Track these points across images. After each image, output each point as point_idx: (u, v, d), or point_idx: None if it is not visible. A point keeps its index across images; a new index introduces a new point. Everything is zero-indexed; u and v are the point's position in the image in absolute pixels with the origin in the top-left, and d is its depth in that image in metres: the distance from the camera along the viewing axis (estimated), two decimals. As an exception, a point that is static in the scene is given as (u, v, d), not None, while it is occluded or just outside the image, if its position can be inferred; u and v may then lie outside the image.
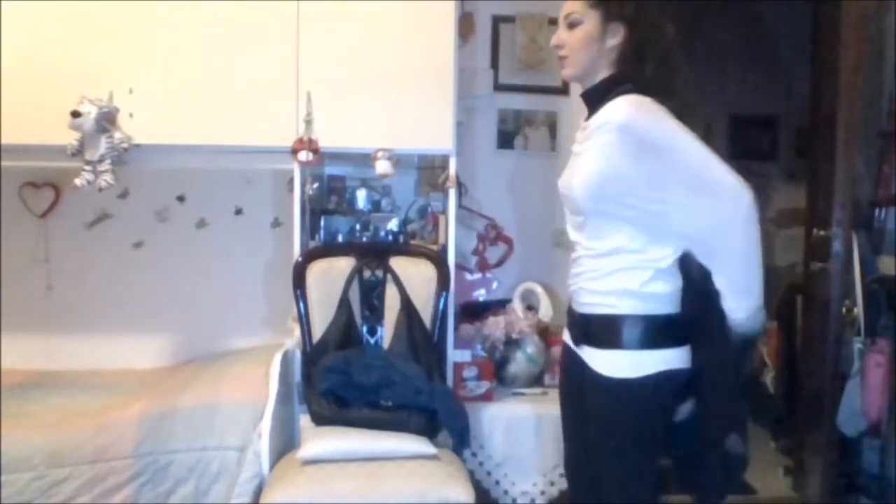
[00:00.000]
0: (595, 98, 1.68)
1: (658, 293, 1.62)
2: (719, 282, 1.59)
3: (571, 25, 1.68)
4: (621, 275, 1.62)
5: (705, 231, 1.56)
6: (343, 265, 2.55)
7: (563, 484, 2.61)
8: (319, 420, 2.28)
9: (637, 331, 1.61)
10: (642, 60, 1.65)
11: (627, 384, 1.61)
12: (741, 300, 1.60)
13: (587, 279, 1.69)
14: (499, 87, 3.28)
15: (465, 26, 3.13)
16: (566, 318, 1.83)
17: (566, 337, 1.82)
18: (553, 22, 3.15)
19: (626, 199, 1.57)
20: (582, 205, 1.64)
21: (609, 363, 1.64)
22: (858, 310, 2.68)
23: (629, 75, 1.65)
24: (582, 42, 1.67)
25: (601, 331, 1.66)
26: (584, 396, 1.71)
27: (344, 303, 2.49)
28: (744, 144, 5.02)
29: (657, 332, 1.62)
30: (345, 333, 2.46)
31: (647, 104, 1.58)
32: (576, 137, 1.76)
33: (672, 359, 1.63)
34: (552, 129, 3.28)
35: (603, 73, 1.68)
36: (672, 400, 1.66)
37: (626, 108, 1.57)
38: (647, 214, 1.57)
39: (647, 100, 1.59)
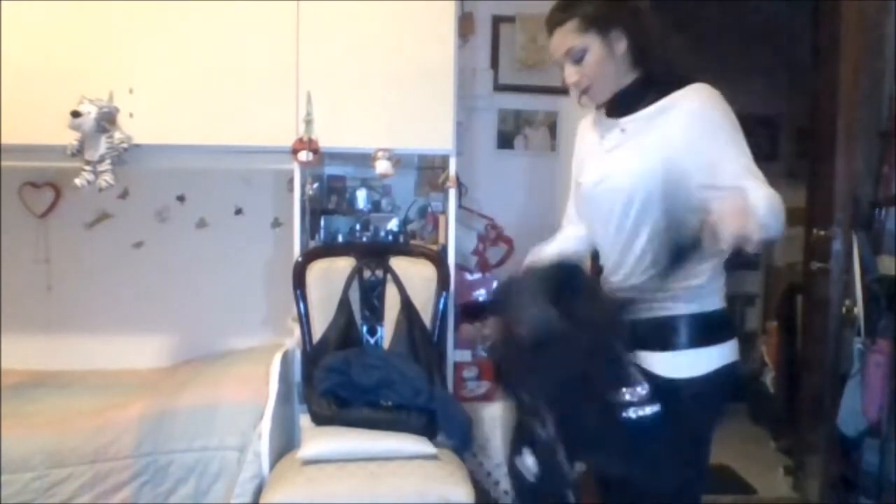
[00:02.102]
0: (632, 99, 1.65)
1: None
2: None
3: (577, 60, 1.64)
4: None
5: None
6: (343, 265, 2.55)
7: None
8: (319, 420, 2.28)
9: (695, 328, 1.60)
10: (651, 53, 1.65)
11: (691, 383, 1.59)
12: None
13: (641, 273, 1.61)
14: (499, 87, 3.28)
15: (465, 26, 3.13)
16: None
17: None
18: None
19: (687, 178, 1.53)
20: (645, 186, 1.57)
21: (669, 364, 1.59)
22: (858, 310, 2.67)
23: (660, 69, 1.64)
24: (598, 69, 1.63)
25: (661, 332, 1.61)
26: None
27: (344, 303, 2.49)
28: (744, 144, 5.03)
29: (713, 328, 1.62)
30: (345, 333, 2.46)
31: (716, 91, 1.59)
32: (593, 133, 1.73)
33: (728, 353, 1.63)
34: (552, 129, 3.28)
35: (628, 78, 1.65)
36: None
37: (701, 96, 1.58)
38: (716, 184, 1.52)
39: (713, 89, 1.60)
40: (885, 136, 2.80)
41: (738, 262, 4.92)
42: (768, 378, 3.74)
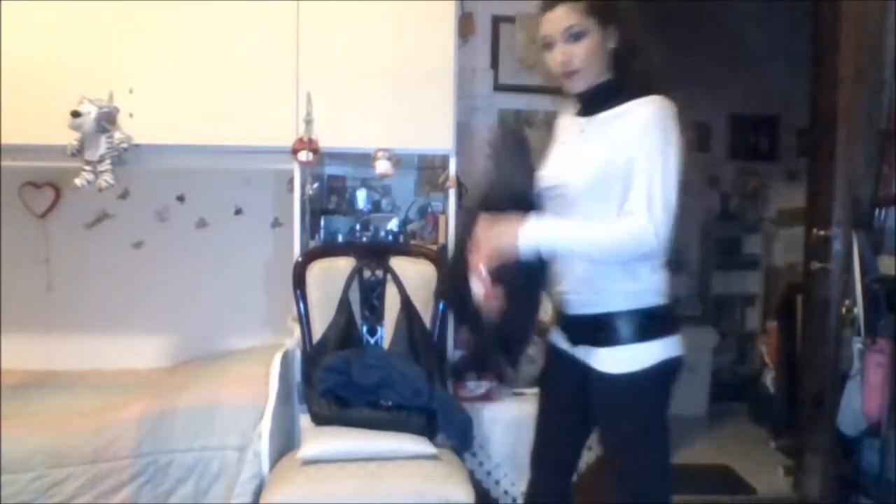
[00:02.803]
0: (598, 99, 1.69)
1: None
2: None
3: (576, 37, 1.65)
4: (625, 273, 1.65)
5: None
6: (343, 265, 2.55)
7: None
8: (319, 420, 2.28)
9: (636, 324, 1.66)
10: (633, 60, 1.69)
11: (640, 375, 1.65)
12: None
13: (585, 280, 1.68)
14: (499, 87, 3.28)
15: (465, 26, 3.13)
16: (557, 320, 1.83)
17: (555, 335, 1.83)
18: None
19: (626, 182, 1.59)
20: (589, 188, 1.64)
21: (613, 360, 1.67)
22: (858, 310, 2.67)
23: (631, 77, 1.68)
24: (591, 53, 1.66)
25: (602, 329, 1.68)
26: (587, 396, 1.73)
27: (344, 303, 2.49)
28: (744, 144, 5.03)
29: (653, 324, 1.67)
30: (345, 333, 2.46)
31: (670, 106, 1.63)
32: (563, 130, 1.80)
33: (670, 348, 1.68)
34: (552, 128, 3.28)
35: (602, 77, 1.69)
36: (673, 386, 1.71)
37: (655, 108, 1.61)
38: (626, 192, 1.59)
39: (669, 102, 1.64)
40: (885, 136, 2.80)
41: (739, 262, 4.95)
42: (768, 378, 3.73)
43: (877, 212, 2.80)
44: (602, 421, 1.74)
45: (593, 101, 1.70)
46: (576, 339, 1.75)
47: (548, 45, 1.69)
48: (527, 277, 1.69)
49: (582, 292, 1.70)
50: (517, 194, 1.73)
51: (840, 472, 2.80)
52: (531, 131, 3.29)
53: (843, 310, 2.71)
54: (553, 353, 1.86)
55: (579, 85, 1.70)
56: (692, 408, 4.56)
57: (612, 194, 1.61)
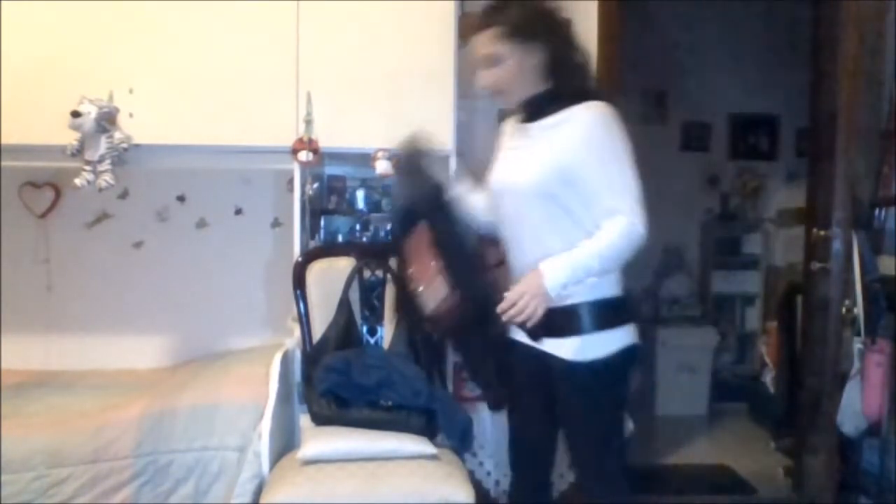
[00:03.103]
0: (539, 107, 1.80)
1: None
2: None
3: (494, 63, 1.78)
4: None
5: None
6: (343, 265, 2.55)
7: (562, 484, 2.62)
8: (319, 420, 2.28)
9: (597, 314, 1.77)
10: (566, 70, 1.80)
11: (605, 362, 1.78)
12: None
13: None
14: (499, 87, 3.27)
15: (465, 26, 3.12)
16: None
17: (516, 334, 1.89)
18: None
19: (577, 186, 1.72)
20: (539, 190, 1.74)
21: (583, 348, 1.78)
22: (858, 310, 2.68)
23: (567, 85, 1.79)
24: (511, 75, 1.78)
25: (565, 320, 1.78)
26: (553, 385, 1.84)
27: (344, 303, 2.48)
28: (744, 144, 5.03)
29: (611, 313, 1.79)
30: (345, 333, 2.46)
31: (610, 110, 1.75)
32: (508, 136, 1.90)
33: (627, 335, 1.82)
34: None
35: (539, 87, 1.80)
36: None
37: (594, 112, 1.73)
38: (589, 203, 1.73)
39: (609, 107, 1.76)
40: (885, 136, 2.80)
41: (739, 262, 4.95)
42: (768, 378, 3.73)
43: (877, 212, 2.80)
44: (566, 407, 1.85)
45: (534, 109, 1.82)
46: (538, 334, 1.82)
47: (478, 64, 1.83)
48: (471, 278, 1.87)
49: None
50: (432, 202, 1.93)
51: (840, 472, 2.80)
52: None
53: (843, 310, 2.71)
54: (516, 352, 1.93)
55: (509, 101, 1.85)
56: (692, 408, 4.57)
57: (560, 194, 1.73)
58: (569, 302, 1.76)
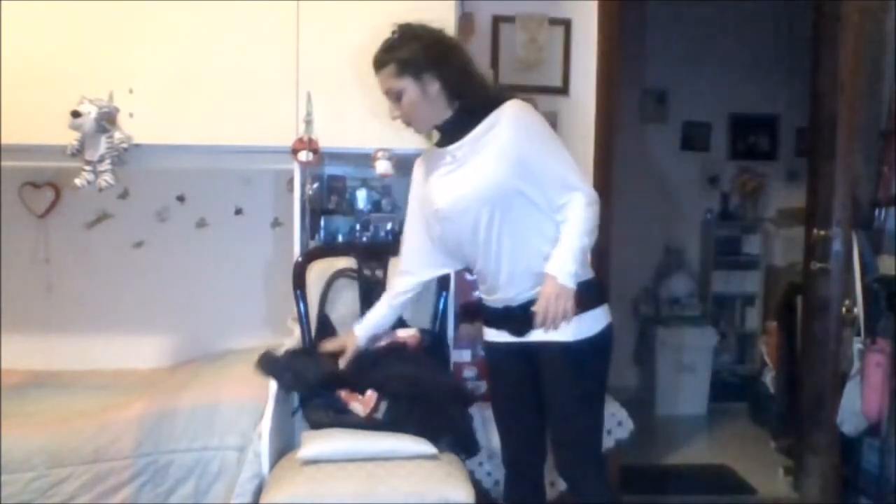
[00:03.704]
0: (454, 128, 1.90)
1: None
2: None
3: (396, 97, 1.91)
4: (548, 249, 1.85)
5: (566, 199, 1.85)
6: (343, 265, 2.55)
7: (563, 484, 2.61)
8: (316, 427, 2.28)
9: (580, 296, 1.84)
10: (468, 87, 1.90)
11: (594, 339, 1.90)
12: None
13: (517, 266, 1.87)
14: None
15: (465, 26, 3.13)
16: (491, 320, 2.03)
17: (497, 336, 2.00)
18: (553, 22, 3.16)
19: (531, 176, 1.82)
20: (502, 190, 1.81)
21: (573, 328, 1.86)
22: (858, 310, 2.68)
23: (474, 100, 1.88)
24: (414, 106, 1.90)
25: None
26: (542, 373, 1.92)
27: (325, 323, 2.47)
28: (744, 144, 5.03)
29: (592, 293, 1.90)
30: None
31: (529, 106, 1.91)
32: (432, 165, 1.98)
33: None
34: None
35: (448, 111, 1.91)
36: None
37: (516, 107, 1.86)
38: (545, 187, 1.84)
39: (526, 103, 1.90)
40: (885, 136, 2.81)
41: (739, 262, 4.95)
42: (768, 378, 3.74)
43: (877, 212, 2.80)
44: (558, 388, 1.92)
45: (452, 131, 1.91)
46: (523, 328, 1.90)
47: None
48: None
49: (523, 283, 1.88)
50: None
51: (840, 472, 2.80)
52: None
53: (843, 310, 2.71)
54: (497, 353, 2.02)
55: (421, 129, 1.98)
56: (692, 408, 4.58)
57: (521, 187, 1.82)
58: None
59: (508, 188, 1.82)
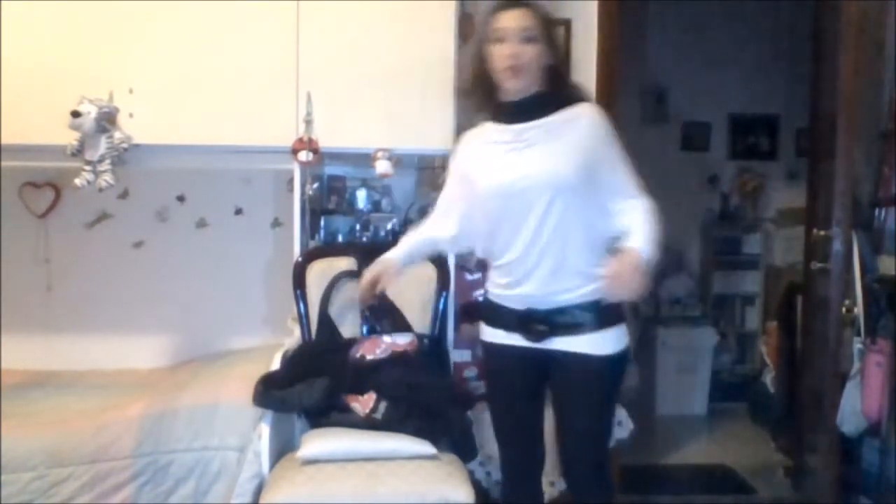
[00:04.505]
0: (531, 107, 1.86)
1: None
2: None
3: (528, 40, 1.82)
4: (594, 257, 1.82)
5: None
6: (343, 265, 2.55)
7: (562, 484, 2.61)
8: (318, 426, 2.28)
9: (606, 312, 1.85)
10: (563, 77, 1.93)
11: (617, 357, 1.87)
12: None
13: (561, 265, 1.82)
14: (499, 87, 3.27)
15: (465, 26, 3.12)
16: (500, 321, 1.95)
17: (506, 339, 1.92)
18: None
19: (596, 178, 1.82)
20: (567, 182, 1.79)
21: (600, 343, 1.84)
22: (858, 310, 2.67)
23: (560, 91, 1.89)
24: (535, 58, 1.83)
25: (591, 315, 1.85)
26: (557, 381, 1.90)
27: (325, 322, 2.47)
28: (744, 144, 5.03)
29: (618, 310, 1.88)
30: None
31: (604, 112, 1.91)
32: (493, 138, 1.90)
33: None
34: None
35: (535, 88, 1.87)
36: None
37: (597, 110, 1.89)
38: (604, 192, 1.84)
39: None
40: (885, 136, 2.81)
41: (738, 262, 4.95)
42: (768, 378, 3.73)
43: (877, 212, 2.80)
44: (572, 400, 1.90)
45: (528, 109, 1.86)
46: (542, 334, 1.85)
47: (499, 40, 1.84)
48: None
49: (563, 283, 1.83)
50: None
51: (840, 472, 2.80)
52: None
53: (843, 310, 2.71)
54: (502, 358, 1.96)
55: (520, 84, 1.85)
56: (692, 408, 4.57)
57: (582, 186, 1.80)
58: (586, 299, 1.83)
59: (573, 182, 1.79)
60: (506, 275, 1.89)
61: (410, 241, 2.09)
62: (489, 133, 1.93)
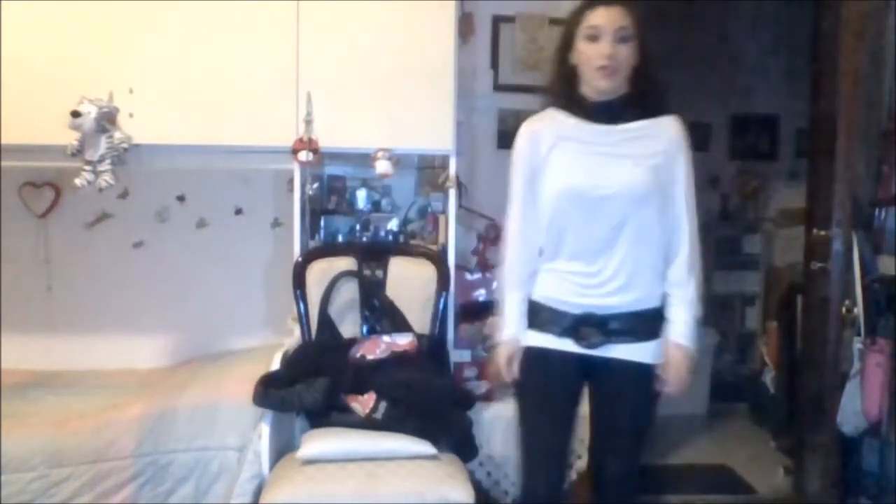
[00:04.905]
0: (618, 109, 1.81)
1: None
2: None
3: (624, 40, 1.76)
4: (658, 267, 1.86)
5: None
6: (343, 265, 2.55)
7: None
8: (318, 426, 2.28)
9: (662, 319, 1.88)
10: (652, 78, 1.85)
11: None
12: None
13: (631, 276, 1.81)
14: (499, 87, 3.28)
15: (465, 26, 3.13)
16: (550, 325, 1.85)
17: (556, 344, 1.84)
18: (553, 22, 3.16)
19: (670, 195, 1.82)
20: (647, 195, 1.77)
21: (652, 351, 1.86)
22: (858, 310, 2.67)
23: (648, 94, 1.84)
24: (628, 59, 1.78)
25: (650, 323, 1.86)
26: (612, 391, 1.89)
27: (325, 323, 2.48)
28: (744, 144, 5.03)
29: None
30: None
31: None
32: (577, 131, 1.82)
33: None
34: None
35: (623, 89, 1.81)
36: None
37: (680, 125, 1.85)
38: (670, 208, 1.83)
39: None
40: (885, 136, 2.80)
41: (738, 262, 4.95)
42: (768, 378, 3.73)
43: (877, 212, 2.80)
44: (631, 406, 1.92)
45: (615, 111, 1.80)
46: (593, 341, 1.81)
47: (593, 37, 1.76)
48: None
49: (640, 290, 1.83)
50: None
51: (840, 472, 2.80)
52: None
53: (843, 310, 2.71)
54: (547, 363, 1.86)
55: (612, 84, 1.78)
56: (692, 408, 4.56)
57: (657, 201, 1.79)
58: (654, 305, 1.85)
59: (652, 198, 1.78)
60: (564, 280, 1.82)
61: (514, 298, 1.89)
62: (566, 127, 1.83)
